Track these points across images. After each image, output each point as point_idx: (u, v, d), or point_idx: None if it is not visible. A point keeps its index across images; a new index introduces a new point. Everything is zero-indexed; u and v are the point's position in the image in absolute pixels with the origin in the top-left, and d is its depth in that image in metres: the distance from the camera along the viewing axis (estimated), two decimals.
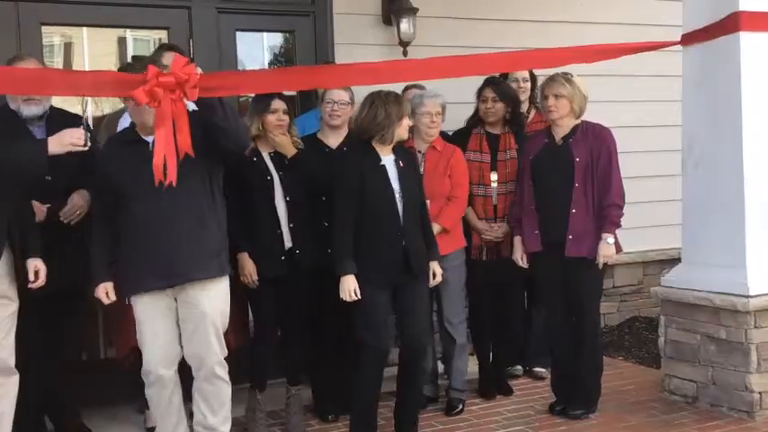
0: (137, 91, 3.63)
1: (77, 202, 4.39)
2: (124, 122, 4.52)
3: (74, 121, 4.42)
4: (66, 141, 3.72)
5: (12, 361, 3.89)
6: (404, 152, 4.53)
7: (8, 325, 3.86)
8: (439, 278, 4.52)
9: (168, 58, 4.56)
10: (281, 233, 4.57)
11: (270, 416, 4.83)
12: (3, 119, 4.37)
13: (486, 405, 5.17)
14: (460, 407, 5.03)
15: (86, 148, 3.78)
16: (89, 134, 3.82)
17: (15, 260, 3.90)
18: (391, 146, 4.42)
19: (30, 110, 4.37)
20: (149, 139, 3.87)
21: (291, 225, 4.58)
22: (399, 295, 4.40)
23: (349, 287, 4.24)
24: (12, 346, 3.88)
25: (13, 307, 3.88)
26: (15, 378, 3.93)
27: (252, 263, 4.50)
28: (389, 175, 4.37)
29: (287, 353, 4.78)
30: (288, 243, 4.58)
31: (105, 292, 3.97)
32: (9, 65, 4.35)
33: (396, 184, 4.36)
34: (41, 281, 3.93)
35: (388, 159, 4.40)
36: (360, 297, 4.25)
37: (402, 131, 4.41)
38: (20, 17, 5.09)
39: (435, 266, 4.52)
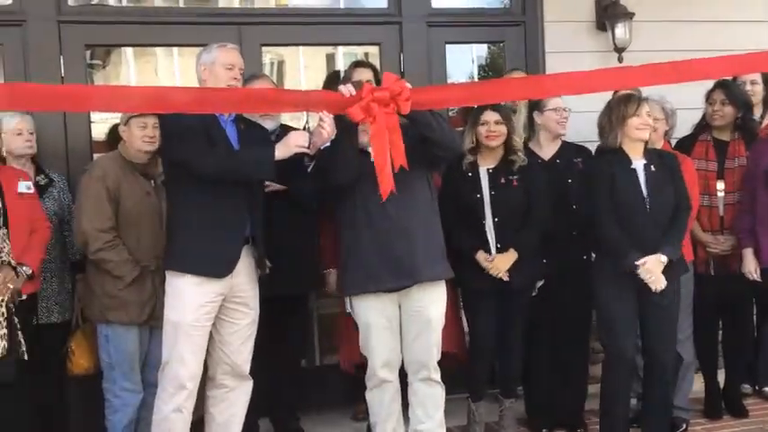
0: (352, 108, 3.74)
1: None
2: None
3: None
4: (292, 144, 3.84)
5: (246, 368, 4.05)
6: (659, 156, 4.35)
7: (247, 333, 4.02)
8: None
9: (359, 74, 4.71)
10: (490, 252, 4.48)
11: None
12: None
13: (711, 426, 4.89)
14: (684, 426, 4.77)
15: (310, 151, 3.90)
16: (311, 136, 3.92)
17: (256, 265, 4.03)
18: (640, 149, 4.25)
19: (265, 125, 4.58)
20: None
21: (499, 245, 4.48)
22: (644, 304, 4.23)
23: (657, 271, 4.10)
24: (248, 354, 4.05)
25: (252, 315, 4.03)
26: (249, 384, 4.09)
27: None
28: (639, 179, 4.21)
29: (502, 365, 4.72)
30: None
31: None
32: (247, 83, 4.61)
33: (645, 189, 4.20)
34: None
35: (638, 163, 4.25)
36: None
37: (632, 133, 4.23)
38: (242, 39, 5.33)
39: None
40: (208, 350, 3.98)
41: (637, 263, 4.09)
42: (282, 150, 3.83)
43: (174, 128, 3.86)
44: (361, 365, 4.30)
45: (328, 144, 3.95)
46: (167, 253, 3.97)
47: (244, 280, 3.96)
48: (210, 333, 3.95)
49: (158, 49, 6.00)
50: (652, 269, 4.08)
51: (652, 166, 4.24)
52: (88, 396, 4.67)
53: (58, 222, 4.58)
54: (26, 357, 3.76)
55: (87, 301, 4.44)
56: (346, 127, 3.87)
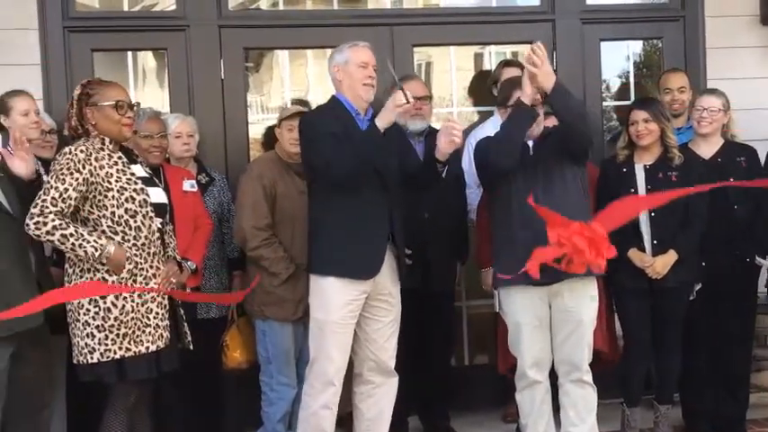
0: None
1: None
2: (482, 132, 4.63)
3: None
4: (391, 107, 3.82)
5: (392, 364, 4.08)
6: None
7: (391, 329, 4.05)
8: None
9: (508, 73, 4.66)
10: (644, 249, 4.39)
11: None
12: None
13: None
14: None
15: (412, 102, 3.84)
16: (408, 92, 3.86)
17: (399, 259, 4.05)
18: None
19: (415, 125, 4.62)
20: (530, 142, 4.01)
21: (655, 242, 4.38)
22: None
23: None
24: (393, 350, 4.08)
25: (395, 312, 4.06)
26: (394, 380, 4.12)
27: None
28: None
29: (658, 369, 4.58)
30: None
31: None
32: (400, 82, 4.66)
33: None
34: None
35: None
36: None
37: None
38: (394, 40, 5.38)
39: None
40: (353, 348, 4.03)
41: None
42: (385, 116, 3.83)
43: (309, 133, 3.94)
44: (513, 366, 4.26)
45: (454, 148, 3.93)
46: (310, 255, 4.02)
47: (386, 277, 3.99)
48: (355, 331, 3.99)
49: (309, 52, 6.13)
50: None
51: None
52: (243, 388, 4.83)
53: (218, 220, 4.74)
54: (191, 347, 3.88)
55: (246, 297, 4.58)
56: (525, 114, 3.86)
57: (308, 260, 4.05)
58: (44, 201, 3.50)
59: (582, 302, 3.97)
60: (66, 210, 3.52)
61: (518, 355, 4.06)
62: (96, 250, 3.52)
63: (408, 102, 3.80)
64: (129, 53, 5.44)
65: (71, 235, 3.50)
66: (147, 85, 5.77)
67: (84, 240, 3.52)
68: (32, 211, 3.50)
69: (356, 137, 3.88)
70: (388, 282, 4.01)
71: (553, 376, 4.11)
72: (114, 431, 3.72)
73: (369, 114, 4.03)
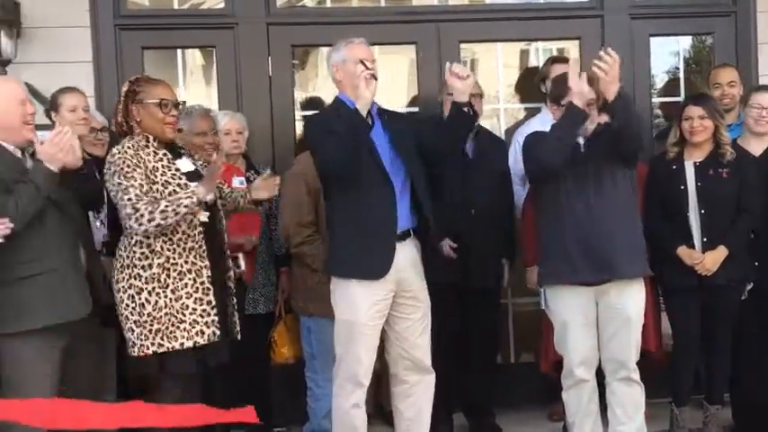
0: None
1: None
2: (528, 129, 4.61)
3: (495, 141, 4.78)
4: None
5: (427, 360, 4.04)
6: None
7: (421, 326, 3.99)
8: None
9: (556, 70, 4.62)
10: (693, 246, 4.35)
11: None
12: None
13: None
14: None
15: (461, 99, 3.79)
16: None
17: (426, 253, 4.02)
18: None
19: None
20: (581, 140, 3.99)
21: (705, 239, 4.33)
22: None
23: None
24: (426, 346, 4.03)
25: (423, 308, 4.00)
26: (430, 377, 4.07)
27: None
28: None
29: (707, 368, 4.53)
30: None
31: None
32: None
33: None
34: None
35: None
36: None
37: None
38: (440, 36, 5.38)
39: None
40: (386, 348, 4.01)
41: None
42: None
43: (309, 135, 3.98)
44: (559, 364, 4.24)
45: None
46: (328, 257, 4.00)
47: (410, 274, 3.93)
48: (386, 331, 3.96)
49: None
50: None
51: None
52: (290, 383, 4.86)
53: (265, 217, 4.77)
54: (239, 337, 3.90)
55: (291, 293, 4.62)
56: (576, 116, 3.83)
57: (327, 261, 4.02)
58: (129, 200, 3.58)
59: (630, 300, 3.94)
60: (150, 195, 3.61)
61: (565, 354, 4.03)
62: (192, 198, 3.62)
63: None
64: (179, 51, 5.50)
65: (167, 207, 3.58)
66: (194, 83, 5.83)
67: (178, 203, 3.60)
68: (127, 213, 3.57)
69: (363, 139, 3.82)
70: (412, 278, 3.94)
71: (599, 375, 4.08)
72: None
73: (375, 107, 3.98)
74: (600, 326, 3.99)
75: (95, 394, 3.91)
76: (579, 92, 3.79)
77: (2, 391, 3.63)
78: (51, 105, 4.32)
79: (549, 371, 4.62)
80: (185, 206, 3.62)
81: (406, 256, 3.90)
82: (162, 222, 3.59)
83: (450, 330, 4.58)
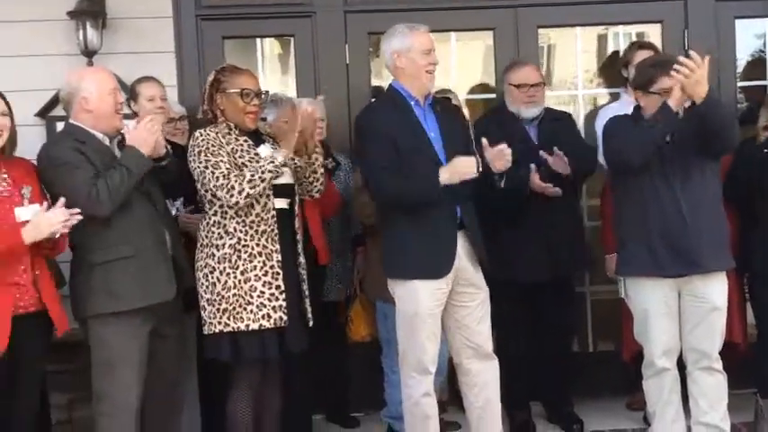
0: None
1: None
2: (607, 114, 4.53)
3: (562, 124, 4.68)
4: (460, 171, 3.75)
5: (489, 346, 4.01)
6: None
7: (481, 312, 3.97)
8: None
9: (640, 56, 4.54)
10: None
11: None
12: (501, 121, 4.59)
13: None
14: None
15: (476, 176, 3.78)
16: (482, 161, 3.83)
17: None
18: None
19: (529, 111, 4.57)
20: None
21: None
22: None
23: None
24: (487, 333, 4.00)
25: (481, 295, 3.97)
26: (493, 363, 4.02)
27: None
28: None
29: None
30: None
31: None
32: (511, 69, 4.63)
33: None
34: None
35: None
36: None
37: None
38: (518, 21, 5.33)
39: None
40: (448, 338, 4.00)
41: None
42: (448, 176, 3.75)
43: (363, 134, 3.92)
44: (639, 353, 4.18)
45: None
46: (387, 258, 3.97)
47: (465, 263, 3.91)
48: (446, 321, 3.95)
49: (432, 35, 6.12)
50: None
51: None
52: (367, 368, 4.91)
53: (343, 203, 4.81)
54: (311, 324, 3.94)
55: (366, 278, 4.64)
56: (668, 122, 3.73)
57: (385, 262, 3.99)
58: (222, 173, 3.65)
59: (714, 290, 3.87)
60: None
61: (645, 344, 3.98)
62: (273, 162, 3.69)
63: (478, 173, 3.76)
64: (258, 40, 5.57)
65: (252, 176, 3.66)
66: (271, 72, 5.89)
67: (261, 170, 3.67)
68: (219, 185, 3.64)
69: (420, 143, 3.83)
70: (467, 266, 3.91)
71: (680, 364, 4.01)
72: (238, 407, 3.84)
73: (429, 99, 3.95)
74: (683, 316, 3.92)
75: (177, 378, 4.02)
76: (675, 98, 3.69)
77: (93, 371, 3.74)
78: (130, 95, 4.43)
79: (631, 360, 4.56)
80: (269, 171, 3.68)
81: (461, 246, 3.90)
82: (251, 192, 3.66)
83: (527, 318, 4.57)
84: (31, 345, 3.58)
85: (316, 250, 4.43)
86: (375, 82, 5.40)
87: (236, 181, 3.64)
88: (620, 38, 5.94)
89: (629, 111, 4.06)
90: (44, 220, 3.44)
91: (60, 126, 4.21)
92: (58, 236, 3.50)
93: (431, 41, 3.92)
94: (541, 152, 4.37)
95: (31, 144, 3.94)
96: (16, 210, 3.52)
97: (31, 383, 3.69)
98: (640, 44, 5.06)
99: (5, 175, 3.60)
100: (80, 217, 3.50)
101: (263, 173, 3.67)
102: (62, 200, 3.49)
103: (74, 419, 4.79)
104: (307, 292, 3.94)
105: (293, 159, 3.86)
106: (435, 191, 3.76)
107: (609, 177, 4.35)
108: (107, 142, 3.79)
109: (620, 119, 4.02)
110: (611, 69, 5.41)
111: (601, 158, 4.44)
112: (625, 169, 3.88)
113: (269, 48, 5.86)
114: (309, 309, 3.93)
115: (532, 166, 4.40)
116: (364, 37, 5.32)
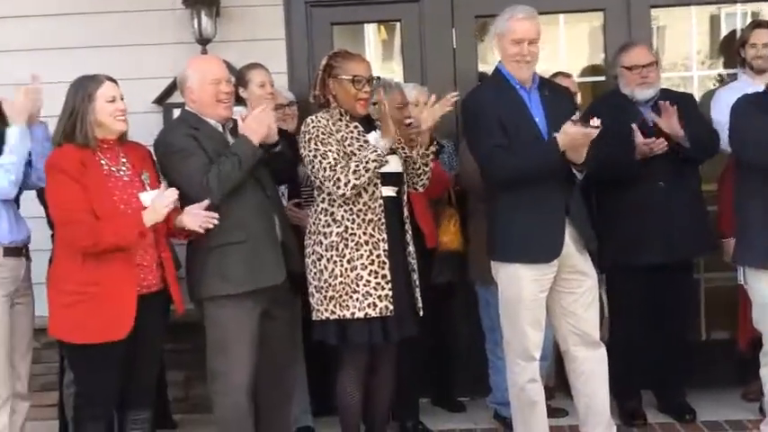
0: None
1: None
2: (727, 94, 4.44)
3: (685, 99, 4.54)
4: (571, 133, 3.65)
5: (596, 334, 3.95)
6: None
7: (588, 299, 3.91)
8: None
9: (758, 35, 4.49)
10: None
11: None
12: (615, 104, 4.50)
13: None
14: None
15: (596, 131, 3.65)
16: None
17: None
18: None
19: (643, 93, 4.46)
20: None
21: None
22: None
23: None
24: (594, 320, 3.95)
25: (589, 281, 3.91)
26: (600, 352, 3.96)
27: None
28: None
29: None
30: None
31: None
32: (621, 53, 4.55)
33: None
34: None
35: None
36: None
37: None
38: (630, 1, 5.19)
39: None
40: (554, 325, 3.97)
41: None
42: (565, 138, 3.65)
43: (472, 119, 3.91)
44: (756, 341, 4.06)
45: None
46: (491, 240, 3.94)
47: (571, 249, 3.84)
48: (551, 307, 3.91)
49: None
50: None
51: None
52: (473, 355, 4.93)
53: (448, 184, 4.78)
54: (421, 313, 3.96)
55: (471, 262, 4.62)
56: None
57: (488, 244, 3.97)
58: (329, 164, 3.71)
59: None
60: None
61: (765, 331, 3.86)
62: (376, 151, 3.73)
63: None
64: (365, 25, 5.60)
65: (357, 166, 3.70)
66: (377, 57, 5.92)
67: (365, 159, 3.71)
68: (326, 176, 3.71)
69: (524, 126, 3.78)
70: (573, 252, 3.85)
71: None
72: (346, 390, 3.91)
73: (536, 81, 3.90)
74: None
75: (287, 359, 4.10)
76: None
77: (207, 351, 3.85)
78: (239, 81, 4.45)
79: (747, 348, 4.44)
80: (373, 160, 3.71)
81: (568, 233, 3.85)
82: (356, 182, 3.70)
83: (643, 304, 4.48)
84: (153, 323, 3.69)
85: (423, 234, 4.43)
86: (481, 67, 5.36)
87: (341, 173, 3.68)
88: (736, 18, 5.75)
89: (749, 91, 3.91)
90: (160, 202, 3.56)
91: (176, 113, 4.34)
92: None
93: (526, 30, 3.83)
94: (649, 113, 4.21)
95: (149, 130, 4.09)
96: (140, 195, 3.64)
97: (150, 360, 3.81)
98: (758, 23, 4.90)
99: (125, 160, 3.72)
100: (216, 221, 3.63)
101: (366, 162, 3.70)
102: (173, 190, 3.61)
103: (189, 397, 4.96)
104: (417, 282, 3.95)
105: (402, 148, 3.89)
106: (554, 156, 3.68)
107: (732, 159, 4.22)
108: (220, 128, 3.87)
109: (750, 105, 3.86)
110: (726, 50, 5.24)
111: (724, 144, 4.30)
112: (751, 165, 3.76)
113: (373, 33, 5.89)
114: (419, 298, 3.95)
115: (634, 125, 4.30)
116: (471, 20, 5.29)
